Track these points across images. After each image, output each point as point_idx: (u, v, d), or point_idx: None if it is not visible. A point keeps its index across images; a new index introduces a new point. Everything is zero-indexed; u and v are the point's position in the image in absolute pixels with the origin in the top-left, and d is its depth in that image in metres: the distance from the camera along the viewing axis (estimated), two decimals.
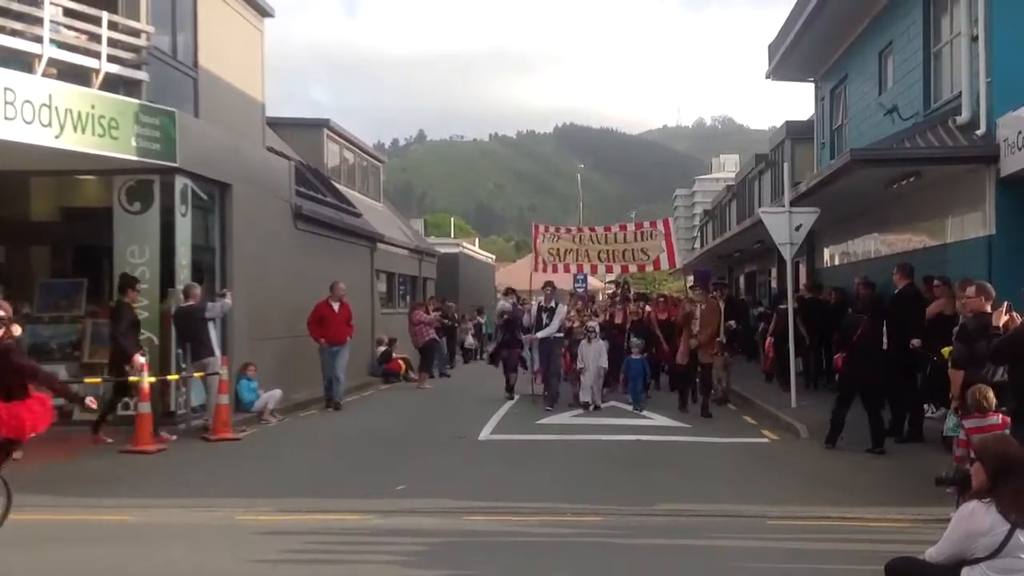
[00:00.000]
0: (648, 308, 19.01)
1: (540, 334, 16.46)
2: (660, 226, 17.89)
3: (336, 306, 17.41)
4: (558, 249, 18.19)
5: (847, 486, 9.78)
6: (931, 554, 4.82)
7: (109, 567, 7.11)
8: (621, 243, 17.90)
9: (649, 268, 18.75)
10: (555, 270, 18.27)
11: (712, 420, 14.86)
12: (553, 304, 16.69)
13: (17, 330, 8.36)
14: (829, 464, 11.12)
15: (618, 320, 18.57)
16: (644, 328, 17.99)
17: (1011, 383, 7.96)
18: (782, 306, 19.66)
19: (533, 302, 17.92)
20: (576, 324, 17.61)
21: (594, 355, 16.17)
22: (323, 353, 17.32)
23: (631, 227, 18.36)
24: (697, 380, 15.81)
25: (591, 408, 15.97)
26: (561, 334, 16.75)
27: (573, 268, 18.72)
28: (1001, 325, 8.37)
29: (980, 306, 9.10)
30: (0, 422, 7.60)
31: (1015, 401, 7.78)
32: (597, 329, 16.75)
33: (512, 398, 17.64)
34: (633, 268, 18.58)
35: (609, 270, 19.04)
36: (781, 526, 8.22)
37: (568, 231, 18.71)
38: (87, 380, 13.82)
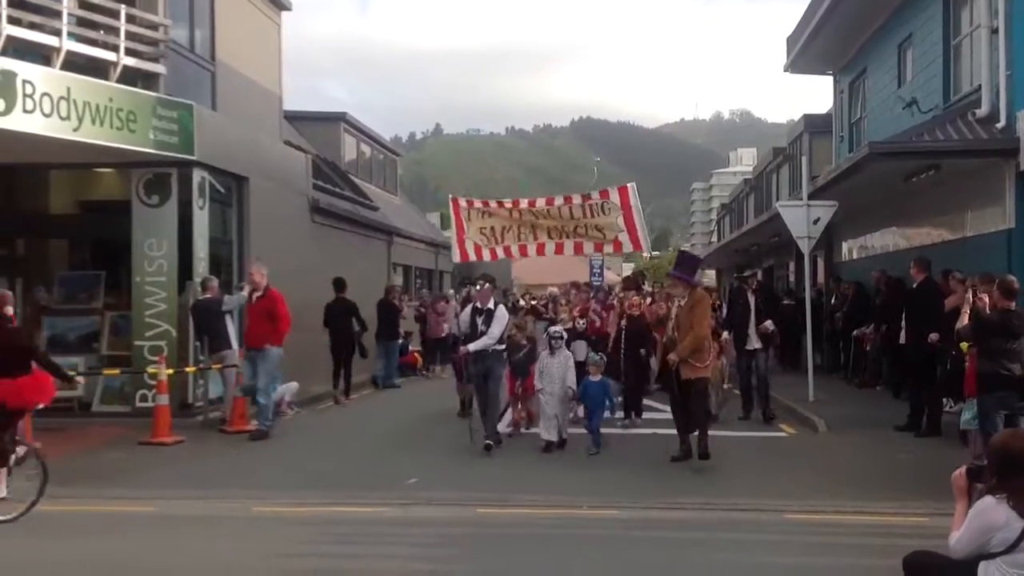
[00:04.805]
0: (637, 300, 14.42)
1: (473, 346, 11.80)
2: (615, 196, 12.85)
3: (254, 297, 13.27)
4: (492, 227, 13.53)
5: (865, 480, 9.74)
6: (952, 543, 4.79)
7: (130, 558, 7.14)
8: (568, 218, 13.22)
9: (608, 249, 14.15)
10: (493, 256, 13.74)
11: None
12: (491, 305, 12.04)
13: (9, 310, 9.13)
14: (847, 458, 11.07)
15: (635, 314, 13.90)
16: (640, 332, 13.75)
17: None
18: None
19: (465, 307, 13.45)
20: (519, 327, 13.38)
21: (558, 370, 11.88)
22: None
23: (577, 199, 13.31)
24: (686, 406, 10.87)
25: (555, 447, 11.74)
26: (502, 347, 12.20)
27: (515, 250, 13.76)
28: None
29: (1004, 303, 9.04)
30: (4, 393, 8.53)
31: None
32: (563, 335, 12.45)
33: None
34: (589, 248, 14.10)
35: (559, 250, 13.91)
36: (798, 520, 8.19)
37: (500, 204, 13.64)
38: (106, 372, 13.97)
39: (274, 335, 13.00)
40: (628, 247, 13.44)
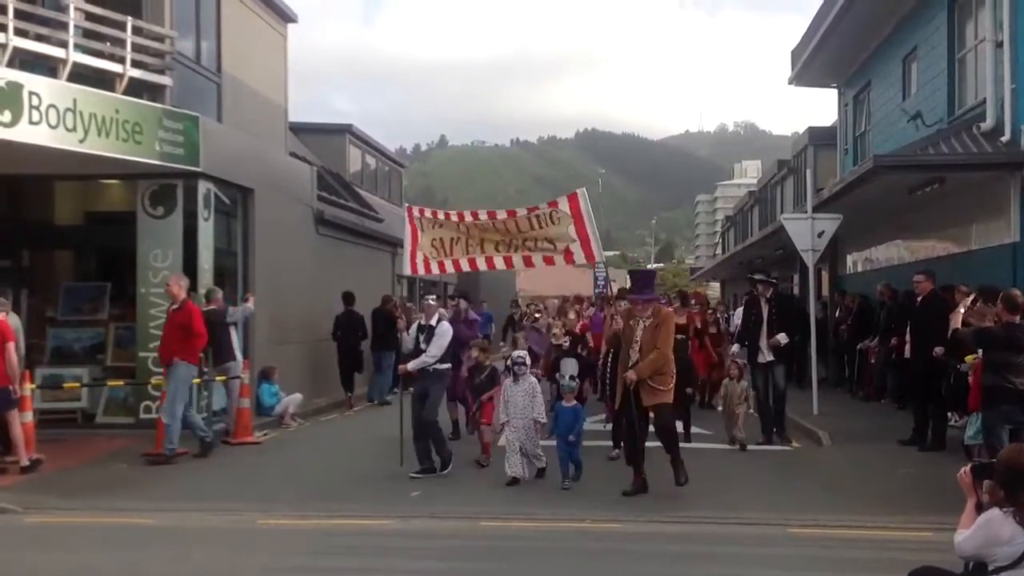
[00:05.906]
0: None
1: (412, 365, 11.26)
2: (564, 205, 11.97)
3: (175, 308, 12.37)
4: (441, 239, 12.81)
5: (869, 494, 9.70)
6: (959, 540, 4.79)
7: (132, 570, 7.15)
8: (515, 232, 12.49)
9: (559, 261, 12.92)
10: (442, 269, 12.96)
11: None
12: (434, 322, 11.37)
13: None
14: (851, 472, 11.04)
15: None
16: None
17: None
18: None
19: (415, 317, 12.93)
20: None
21: (523, 400, 10.67)
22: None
23: (522, 211, 12.53)
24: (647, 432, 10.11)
25: (522, 479, 10.51)
26: (447, 365, 11.54)
27: (464, 264, 12.97)
28: None
29: (1008, 316, 9.02)
30: None
31: None
32: (526, 360, 11.13)
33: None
34: (538, 261, 12.87)
35: (508, 263, 13.18)
36: (802, 534, 8.16)
37: (448, 216, 12.96)
38: (110, 383, 13.98)
39: (187, 350, 12.09)
40: (580, 258, 12.52)
